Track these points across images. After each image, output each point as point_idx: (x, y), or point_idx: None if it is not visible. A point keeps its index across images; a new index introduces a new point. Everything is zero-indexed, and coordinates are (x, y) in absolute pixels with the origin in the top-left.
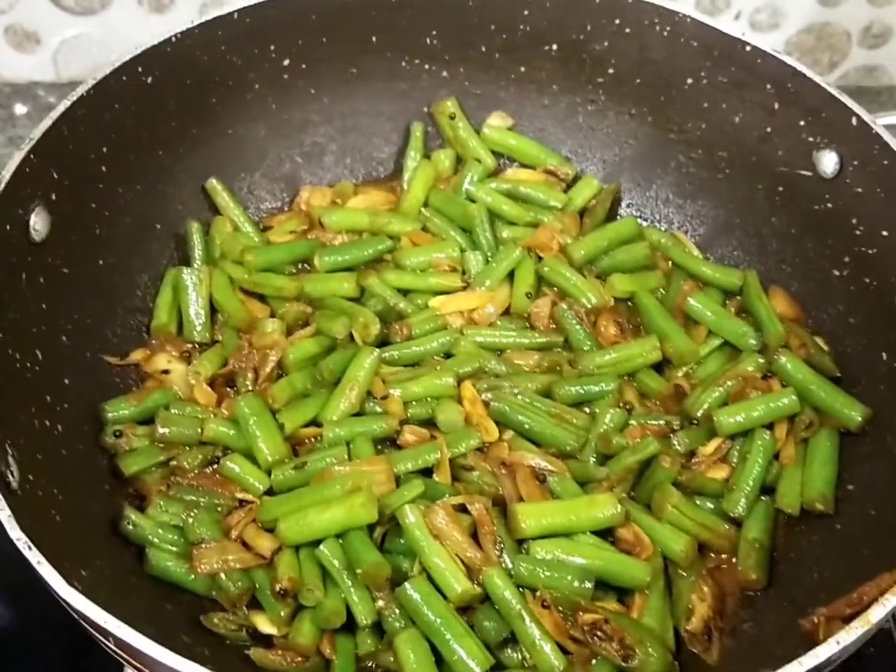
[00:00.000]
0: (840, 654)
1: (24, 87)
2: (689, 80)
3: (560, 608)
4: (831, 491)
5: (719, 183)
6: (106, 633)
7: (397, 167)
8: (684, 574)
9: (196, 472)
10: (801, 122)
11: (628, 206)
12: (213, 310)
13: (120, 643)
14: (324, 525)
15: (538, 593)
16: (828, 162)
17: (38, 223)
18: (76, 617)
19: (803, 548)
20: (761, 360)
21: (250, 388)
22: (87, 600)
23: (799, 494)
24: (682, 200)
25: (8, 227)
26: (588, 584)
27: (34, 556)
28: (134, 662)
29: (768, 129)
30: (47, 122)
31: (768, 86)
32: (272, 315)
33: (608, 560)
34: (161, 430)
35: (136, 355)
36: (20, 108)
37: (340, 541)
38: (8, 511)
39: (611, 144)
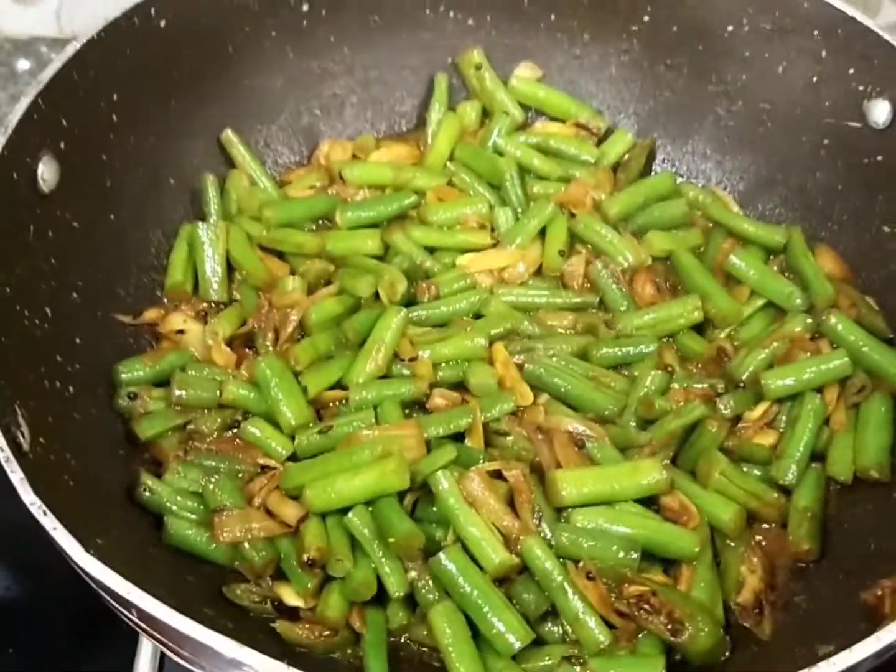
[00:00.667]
0: None
1: (26, 43)
2: (730, 28)
3: (605, 580)
4: (887, 458)
5: (761, 136)
6: (127, 605)
7: (420, 121)
8: (732, 545)
9: (215, 436)
10: (851, 70)
11: (663, 161)
12: (229, 267)
13: (143, 615)
14: (353, 492)
15: (581, 564)
16: (879, 112)
17: (47, 173)
18: (94, 587)
19: (857, 517)
20: (809, 321)
21: (270, 348)
22: (107, 569)
23: (851, 461)
24: (721, 155)
25: (15, 175)
26: (634, 555)
27: (49, 522)
28: (155, 633)
29: (815, 79)
30: (56, 65)
31: (815, 32)
32: (292, 273)
33: (654, 530)
34: (177, 393)
35: (150, 315)
36: (23, 65)
37: (370, 509)
38: (21, 474)
39: (645, 97)
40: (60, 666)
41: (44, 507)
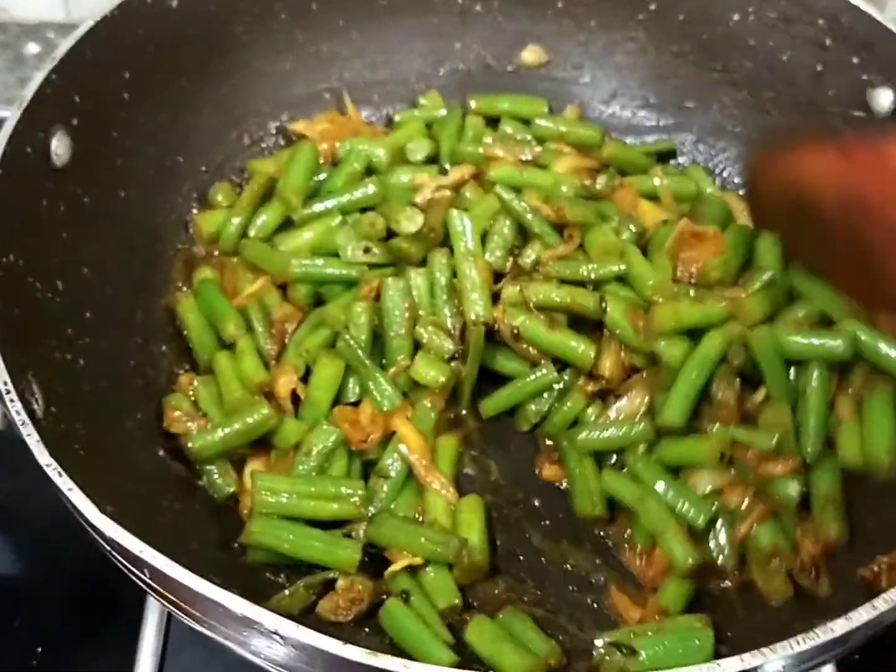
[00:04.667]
0: None
1: (34, 27)
2: (736, 17)
3: None
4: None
5: (766, 125)
6: (140, 564)
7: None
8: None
9: None
10: (855, 59)
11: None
12: None
13: (155, 574)
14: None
15: None
16: (883, 100)
17: (60, 147)
18: (106, 548)
19: (856, 498)
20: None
21: None
22: (120, 528)
23: (859, 449)
24: (726, 144)
25: (29, 149)
26: None
27: (65, 483)
28: (165, 594)
29: (819, 68)
30: (70, 42)
31: (820, 21)
32: None
33: None
34: None
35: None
36: (30, 49)
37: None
38: (36, 436)
39: (650, 84)
40: (64, 637)
41: (59, 469)
